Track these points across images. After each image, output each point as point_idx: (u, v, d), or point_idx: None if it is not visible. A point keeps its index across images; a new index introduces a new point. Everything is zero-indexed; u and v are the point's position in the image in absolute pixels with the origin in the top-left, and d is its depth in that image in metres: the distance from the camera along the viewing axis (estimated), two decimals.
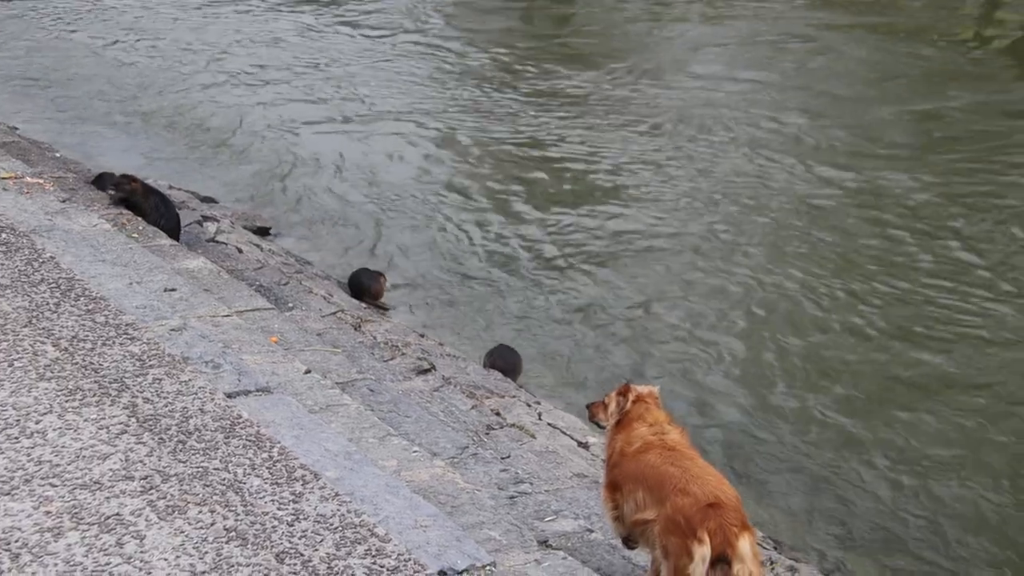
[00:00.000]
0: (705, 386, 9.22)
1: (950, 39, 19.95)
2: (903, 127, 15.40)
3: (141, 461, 4.66)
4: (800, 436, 8.55)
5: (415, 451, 5.71)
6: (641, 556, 5.34)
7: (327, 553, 4.18)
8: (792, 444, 8.46)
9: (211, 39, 20.23)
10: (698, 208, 12.76)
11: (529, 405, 7.99)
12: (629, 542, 5.00)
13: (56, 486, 4.43)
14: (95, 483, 4.47)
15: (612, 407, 5.15)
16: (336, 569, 4.09)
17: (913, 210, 12.61)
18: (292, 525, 4.33)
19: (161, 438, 4.86)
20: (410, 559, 4.21)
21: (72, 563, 3.97)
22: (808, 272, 11.12)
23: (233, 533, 4.23)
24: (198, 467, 4.67)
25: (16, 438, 4.75)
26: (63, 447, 4.71)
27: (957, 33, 20.48)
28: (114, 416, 5.00)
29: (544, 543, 5.28)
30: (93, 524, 4.20)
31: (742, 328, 10.12)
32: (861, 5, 22.24)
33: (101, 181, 9.92)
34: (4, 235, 7.17)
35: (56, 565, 3.95)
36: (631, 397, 5.10)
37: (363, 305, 9.96)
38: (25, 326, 5.83)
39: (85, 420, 4.95)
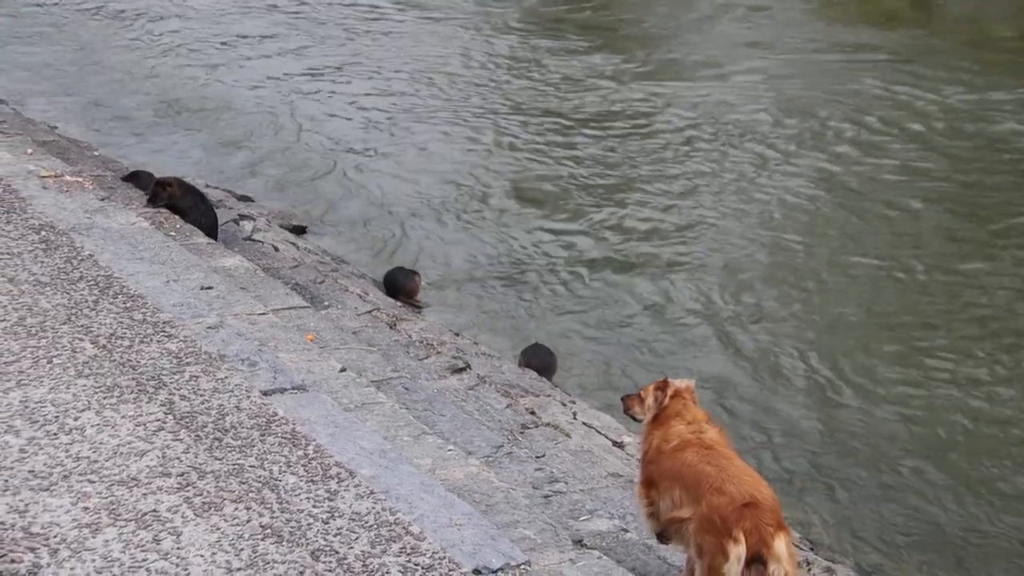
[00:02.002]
0: (742, 387, 9.15)
1: None
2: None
3: (178, 458, 4.69)
4: (838, 438, 8.47)
5: (450, 450, 5.71)
6: (677, 556, 5.31)
7: (362, 551, 4.18)
8: (830, 446, 8.38)
9: (248, 33, 20.29)
10: (742, 209, 12.60)
11: (564, 404, 7.96)
12: (663, 538, 4.98)
13: (94, 482, 4.46)
14: (132, 479, 4.50)
15: (649, 401, 5.10)
16: (371, 567, 4.09)
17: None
18: (327, 523, 4.34)
19: (198, 435, 4.89)
20: (445, 557, 4.21)
21: (109, 559, 3.99)
22: (849, 275, 11.02)
23: (269, 530, 4.24)
24: (234, 464, 4.69)
25: (55, 434, 4.79)
26: (101, 443, 4.75)
27: None
28: (151, 413, 5.03)
29: (579, 542, 5.26)
30: (130, 520, 4.22)
31: (785, 331, 9.99)
32: None
33: (136, 179, 9.96)
34: (44, 233, 7.25)
35: (94, 561, 3.98)
36: (669, 392, 5.05)
37: (398, 303, 9.97)
38: (64, 323, 5.89)
39: (122, 417, 4.98)
